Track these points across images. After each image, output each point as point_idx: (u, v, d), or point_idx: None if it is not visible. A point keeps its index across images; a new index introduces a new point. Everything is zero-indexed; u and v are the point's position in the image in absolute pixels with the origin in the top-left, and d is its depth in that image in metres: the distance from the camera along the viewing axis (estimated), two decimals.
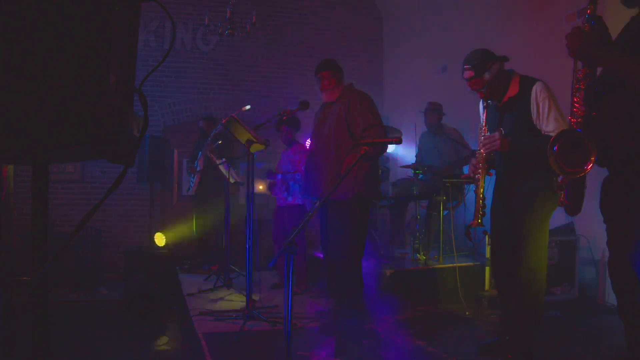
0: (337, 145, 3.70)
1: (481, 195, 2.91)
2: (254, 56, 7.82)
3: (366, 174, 3.67)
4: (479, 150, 2.93)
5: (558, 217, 4.52)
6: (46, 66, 1.01)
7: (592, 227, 4.25)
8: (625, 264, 2.25)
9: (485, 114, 2.97)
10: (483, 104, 3.00)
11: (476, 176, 2.93)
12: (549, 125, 2.78)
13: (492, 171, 3.05)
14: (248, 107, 4.82)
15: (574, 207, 2.37)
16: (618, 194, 2.27)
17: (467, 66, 2.94)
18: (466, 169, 3.54)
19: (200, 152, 6.16)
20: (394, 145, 6.00)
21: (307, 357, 3.15)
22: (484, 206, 2.91)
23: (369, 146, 2.83)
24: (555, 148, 2.16)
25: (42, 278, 1.19)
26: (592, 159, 2.10)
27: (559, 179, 2.38)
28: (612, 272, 2.35)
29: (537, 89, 2.81)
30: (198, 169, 6.15)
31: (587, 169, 2.13)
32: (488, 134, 2.90)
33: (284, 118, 4.36)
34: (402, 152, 6.78)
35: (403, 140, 3.65)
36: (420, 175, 5.26)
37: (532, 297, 2.85)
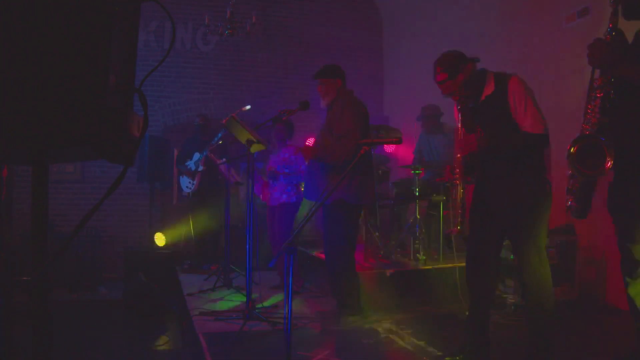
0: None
1: (460, 202, 2.80)
2: (254, 56, 7.82)
3: (350, 181, 3.63)
4: (456, 154, 2.81)
5: (558, 217, 4.54)
6: (46, 66, 1.01)
7: (592, 227, 4.25)
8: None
9: (460, 117, 2.85)
10: (458, 106, 2.88)
11: (454, 182, 2.82)
12: (526, 121, 2.67)
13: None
14: (248, 107, 4.82)
15: (581, 210, 2.40)
16: (629, 196, 2.32)
17: (440, 69, 2.85)
18: None
19: (197, 153, 6.14)
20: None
21: (307, 357, 3.15)
22: (464, 212, 2.81)
23: (369, 146, 2.84)
24: (573, 150, 2.23)
25: (42, 278, 1.19)
26: (610, 163, 2.17)
27: (569, 183, 2.42)
28: (625, 273, 2.39)
29: (512, 84, 2.70)
30: (200, 169, 6.13)
31: (605, 171, 2.20)
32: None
33: (284, 118, 4.37)
34: (402, 152, 6.78)
35: (403, 140, 3.64)
36: (417, 171, 5.25)
37: (542, 300, 2.74)
